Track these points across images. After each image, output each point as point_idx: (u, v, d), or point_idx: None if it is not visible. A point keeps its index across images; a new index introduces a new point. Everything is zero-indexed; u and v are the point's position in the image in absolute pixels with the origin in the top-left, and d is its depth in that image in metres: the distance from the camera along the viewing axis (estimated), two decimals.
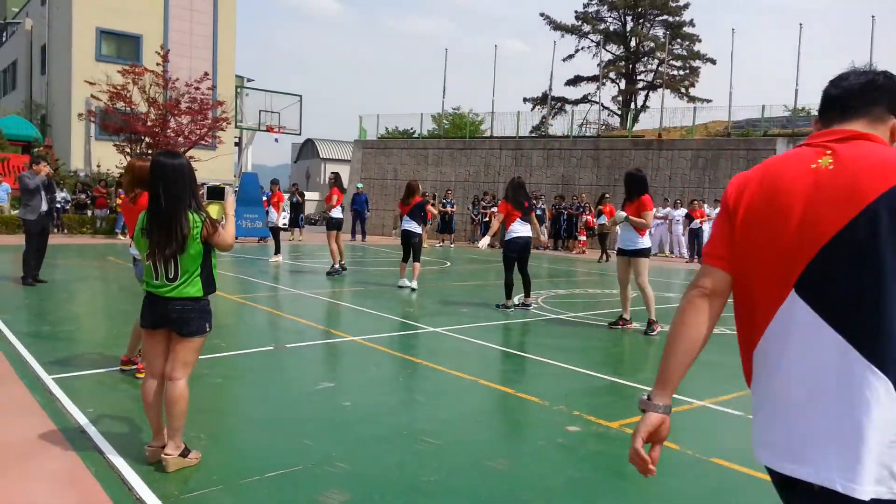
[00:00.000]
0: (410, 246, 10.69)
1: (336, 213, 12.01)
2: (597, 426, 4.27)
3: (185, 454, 3.44)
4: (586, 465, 3.64)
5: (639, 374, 5.86)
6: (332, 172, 12.71)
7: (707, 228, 20.57)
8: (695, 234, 20.10)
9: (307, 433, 4.01)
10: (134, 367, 5.04)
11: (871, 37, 21.50)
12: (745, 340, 1.66)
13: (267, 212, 15.15)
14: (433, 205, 11.23)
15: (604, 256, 18.34)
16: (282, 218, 15.30)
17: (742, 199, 1.63)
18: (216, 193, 3.81)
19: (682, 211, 21.03)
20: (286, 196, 21.91)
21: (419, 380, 5.45)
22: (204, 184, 4.01)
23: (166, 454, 3.38)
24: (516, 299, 9.00)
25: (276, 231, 14.85)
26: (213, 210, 3.74)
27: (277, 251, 14.74)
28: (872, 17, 21.47)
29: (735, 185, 1.66)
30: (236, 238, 21.10)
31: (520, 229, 8.74)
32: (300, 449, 3.75)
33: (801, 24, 22.96)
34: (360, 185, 22.95)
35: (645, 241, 7.58)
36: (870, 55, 21.52)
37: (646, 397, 1.67)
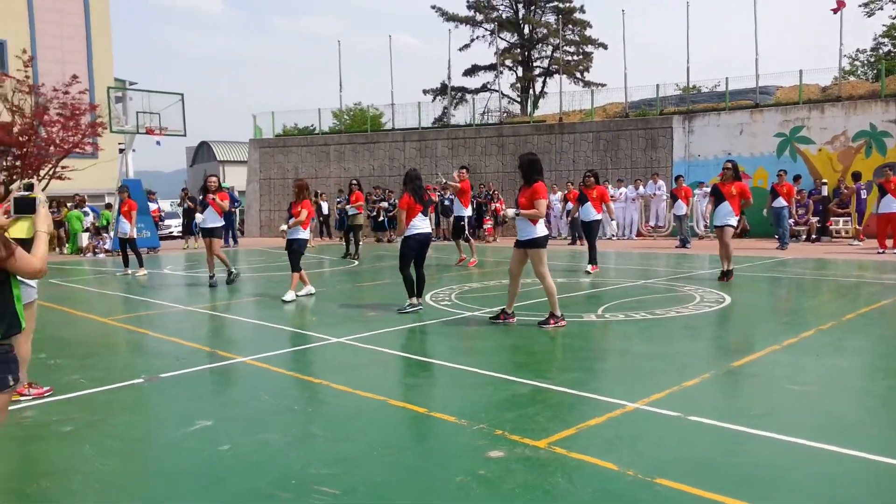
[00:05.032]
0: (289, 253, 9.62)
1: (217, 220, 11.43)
2: (522, 448, 3.67)
3: None
4: None
5: (564, 374, 5.31)
6: (212, 176, 11.82)
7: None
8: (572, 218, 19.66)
9: (170, 495, 3.21)
10: None
11: (753, 13, 22.12)
12: None
13: (117, 222, 14.17)
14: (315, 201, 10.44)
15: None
16: (134, 230, 13.63)
17: None
18: (25, 206, 2.95)
19: (559, 194, 21.24)
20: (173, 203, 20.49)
21: (318, 406, 4.69)
22: (9, 193, 3.13)
23: None
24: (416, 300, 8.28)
25: (131, 243, 13.56)
26: (22, 228, 2.92)
27: (133, 264, 13.75)
28: None
29: None
30: (114, 251, 19.28)
31: (420, 225, 8.17)
32: None
33: (687, 3, 23.35)
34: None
35: (539, 230, 7.04)
36: (754, 32, 22.16)
37: None
